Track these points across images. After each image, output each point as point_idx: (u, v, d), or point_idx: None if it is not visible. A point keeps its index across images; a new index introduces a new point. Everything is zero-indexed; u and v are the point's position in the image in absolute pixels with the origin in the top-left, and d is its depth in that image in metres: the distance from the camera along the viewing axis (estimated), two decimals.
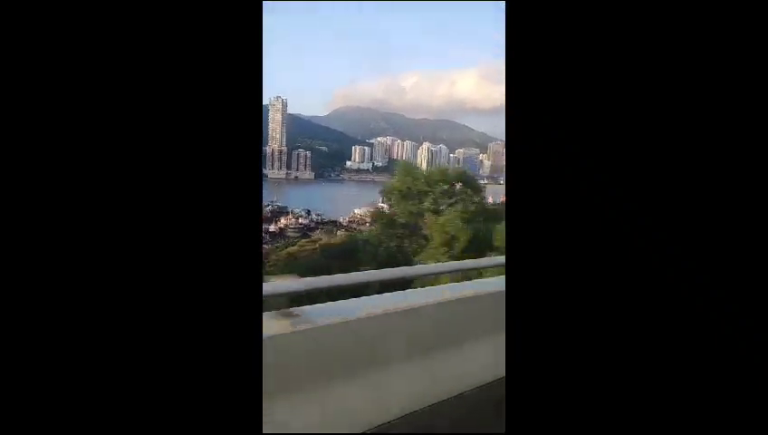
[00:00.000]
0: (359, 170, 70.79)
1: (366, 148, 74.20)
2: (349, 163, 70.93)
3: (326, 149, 70.34)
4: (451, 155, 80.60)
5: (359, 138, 78.25)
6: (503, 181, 79.78)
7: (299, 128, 72.27)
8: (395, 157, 77.68)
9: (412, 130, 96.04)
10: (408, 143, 78.69)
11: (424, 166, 78.28)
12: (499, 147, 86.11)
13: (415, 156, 77.72)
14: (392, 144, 78.45)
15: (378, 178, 70.23)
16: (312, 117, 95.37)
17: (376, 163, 74.23)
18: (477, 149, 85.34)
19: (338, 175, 68.97)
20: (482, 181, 75.31)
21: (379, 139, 77.57)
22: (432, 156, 77.48)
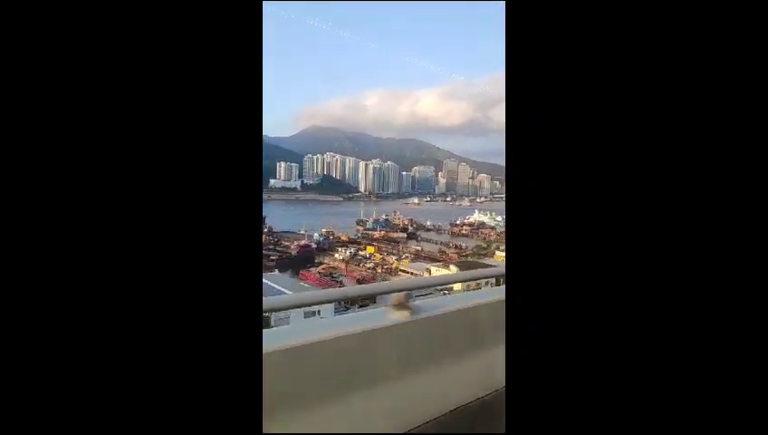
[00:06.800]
0: (283, 189, 63.72)
1: (293, 164, 67.27)
2: (272, 181, 63.96)
3: None
4: (404, 173, 73.82)
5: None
6: (449, 199, 74.08)
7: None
8: (334, 174, 71.30)
9: (378, 148, 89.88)
10: (350, 159, 71.76)
11: (363, 185, 72.88)
12: (453, 164, 79.10)
13: (356, 173, 71.17)
14: (331, 160, 71.64)
15: (303, 196, 63.63)
16: (276, 138, 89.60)
17: (306, 181, 67.25)
18: (433, 167, 77.97)
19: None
20: (427, 200, 67.75)
21: (309, 154, 70.68)
22: (376, 174, 70.59)
